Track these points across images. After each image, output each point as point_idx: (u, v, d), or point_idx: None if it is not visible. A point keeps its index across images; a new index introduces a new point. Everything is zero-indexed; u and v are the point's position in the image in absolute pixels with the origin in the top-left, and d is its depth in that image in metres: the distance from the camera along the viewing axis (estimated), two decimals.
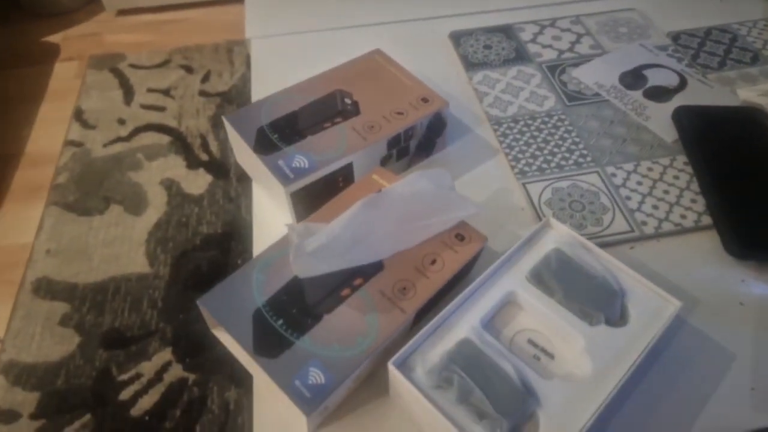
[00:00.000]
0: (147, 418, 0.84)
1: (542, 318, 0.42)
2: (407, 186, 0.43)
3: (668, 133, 0.61)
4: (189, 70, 1.49)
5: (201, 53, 1.50)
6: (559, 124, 0.63)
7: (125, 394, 0.87)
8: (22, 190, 1.19)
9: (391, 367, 0.38)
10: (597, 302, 0.41)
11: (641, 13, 0.78)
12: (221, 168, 1.26)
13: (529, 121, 0.64)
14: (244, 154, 0.56)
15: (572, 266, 0.43)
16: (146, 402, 0.86)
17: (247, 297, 0.41)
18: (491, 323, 0.42)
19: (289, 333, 0.39)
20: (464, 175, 0.59)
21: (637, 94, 0.66)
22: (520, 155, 0.60)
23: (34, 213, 1.13)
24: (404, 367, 0.39)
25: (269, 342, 0.39)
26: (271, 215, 0.56)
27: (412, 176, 0.44)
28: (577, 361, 0.39)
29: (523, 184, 0.57)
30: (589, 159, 0.60)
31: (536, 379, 0.38)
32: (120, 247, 1.09)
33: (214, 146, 1.30)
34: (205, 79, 1.47)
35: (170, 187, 1.21)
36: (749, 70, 0.67)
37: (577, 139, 0.62)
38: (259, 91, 0.69)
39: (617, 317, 0.41)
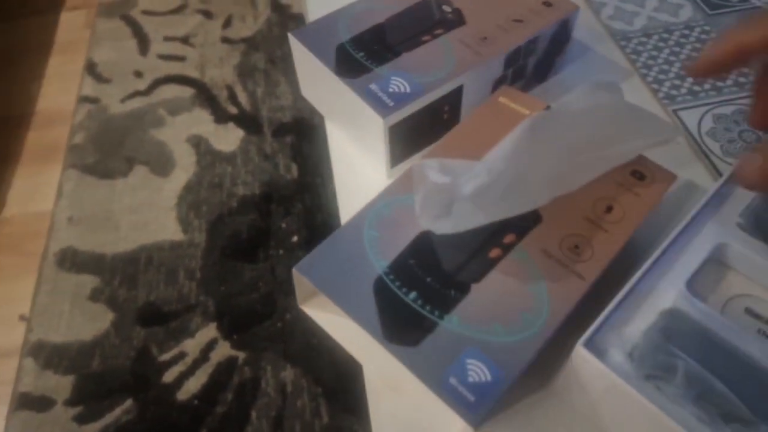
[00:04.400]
0: (196, 402, 0.74)
1: (766, 278, 0.30)
2: (583, 100, 0.31)
3: None
4: (208, 15, 1.35)
5: None
6: (703, 37, 0.50)
7: (169, 376, 0.77)
8: (35, 152, 1.07)
9: (580, 350, 0.27)
10: None
11: None
12: (253, 122, 1.13)
13: (665, 35, 0.51)
14: (316, 81, 0.44)
15: None
16: (193, 384, 0.76)
17: (360, 261, 0.30)
18: (692, 288, 0.31)
19: (428, 310, 0.28)
20: None
21: None
22: (662, 76, 0.47)
23: (50, 177, 1.02)
24: (593, 349, 0.27)
25: (402, 323, 0.27)
26: (354, 160, 0.44)
27: (583, 88, 0.32)
28: None
29: (674, 112, 0.45)
30: (752, 78, 0.47)
31: None
32: (148, 212, 0.98)
33: (242, 98, 1.18)
34: (227, 24, 1.33)
35: (198, 144, 1.09)
36: None
37: None
38: (318, 11, 0.56)
39: None
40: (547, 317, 0.28)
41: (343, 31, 0.43)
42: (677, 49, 0.49)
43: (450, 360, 0.26)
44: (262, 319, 0.81)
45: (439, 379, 0.26)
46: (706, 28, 0.50)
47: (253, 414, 0.73)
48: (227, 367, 0.78)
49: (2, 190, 1.00)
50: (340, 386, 0.76)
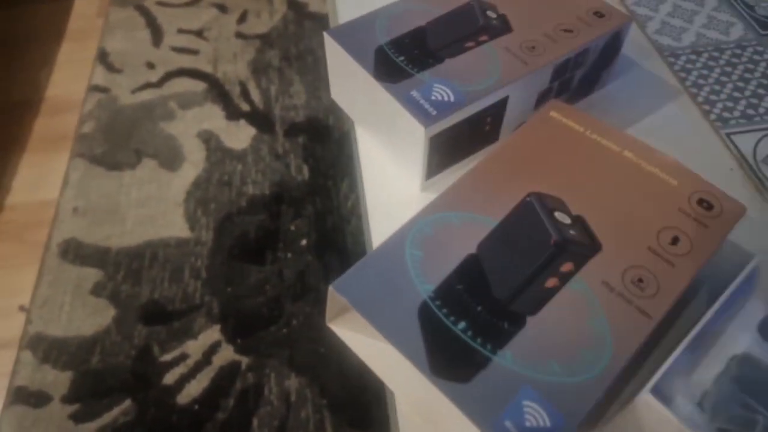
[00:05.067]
0: (196, 406, 0.71)
1: None
2: None
3: None
4: (223, 9, 1.32)
5: None
6: (756, 57, 0.48)
7: (170, 378, 0.75)
8: (42, 140, 1.05)
9: (647, 398, 0.24)
10: None
11: None
12: (265, 120, 1.11)
13: (715, 54, 0.48)
14: (351, 84, 0.41)
15: None
16: (194, 388, 0.74)
17: (403, 283, 0.27)
18: (765, 332, 0.28)
19: (479, 343, 0.26)
20: (640, 123, 0.44)
21: None
22: (713, 97, 0.45)
23: (57, 166, 0.99)
24: (659, 395, 0.25)
25: (452, 356, 0.25)
26: (386, 168, 0.42)
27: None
28: None
29: (727, 135, 0.42)
30: None
31: None
32: (156, 207, 0.95)
33: (255, 95, 1.15)
34: (242, 19, 1.30)
35: (208, 140, 1.07)
36: None
37: None
38: (348, 9, 0.53)
39: None
40: (611, 358, 0.25)
41: (381, 33, 0.41)
42: (729, 69, 0.47)
43: (505, 401, 0.24)
44: (268, 323, 0.78)
45: (494, 422, 0.23)
46: (759, 48, 0.48)
47: (255, 422, 0.71)
48: (230, 371, 0.75)
49: (7, 177, 0.98)
50: (346, 399, 0.74)
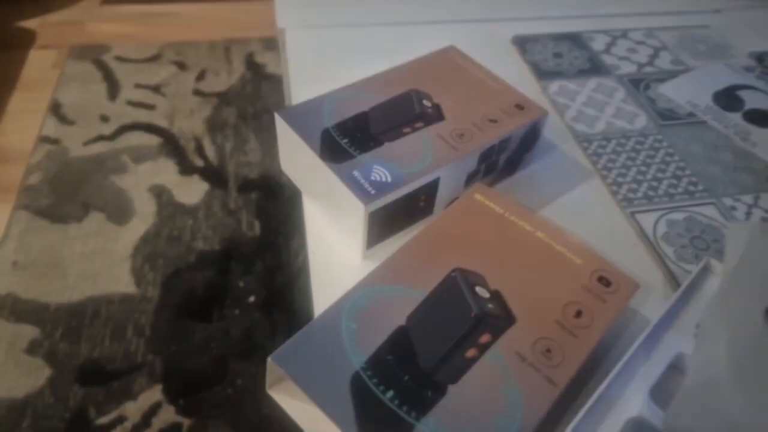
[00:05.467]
0: None
1: None
2: None
3: None
4: (182, 66, 1.36)
5: (195, 50, 1.38)
6: (657, 145, 0.55)
7: None
8: None
9: None
10: None
11: (717, 30, 0.71)
12: (219, 175, 1.13)
13: (623, 140, 0.55)
14: (299, 160, 0.45)
15: None
16: None
17: (338, 354, 0.30)
18: (655, 397, 0.32)
19: (405, 411, 0.28)
20: (556, 201, 0.50)
21: (737, 117, 0.59)
22: (620, 179, 0.51)
23: None
24: None
25: (379, 423, 0.27)
26: (330, 237, 0.45)
27: None
28: None
29: (632, 214, 0.48)
30: (700, 188, 0.51)
31: None
32: (100, 261, 0.94)
33: (210, 151, 1.17)
34: (200, 77, 1.34)
35: (160, 194, 1.07)
36: None
37: (682, 164, 0.53)
38: (300, 91, 0.58)
39: None
40: (521, 424, 0.28)
41: (328, 116, 0.45)
42: (633, 154, 0.54)
43: None
44: (212, 383, 0.78)
45: None
46: (659, 137, 0.56)
47: None
48: None
49: None
50: None
